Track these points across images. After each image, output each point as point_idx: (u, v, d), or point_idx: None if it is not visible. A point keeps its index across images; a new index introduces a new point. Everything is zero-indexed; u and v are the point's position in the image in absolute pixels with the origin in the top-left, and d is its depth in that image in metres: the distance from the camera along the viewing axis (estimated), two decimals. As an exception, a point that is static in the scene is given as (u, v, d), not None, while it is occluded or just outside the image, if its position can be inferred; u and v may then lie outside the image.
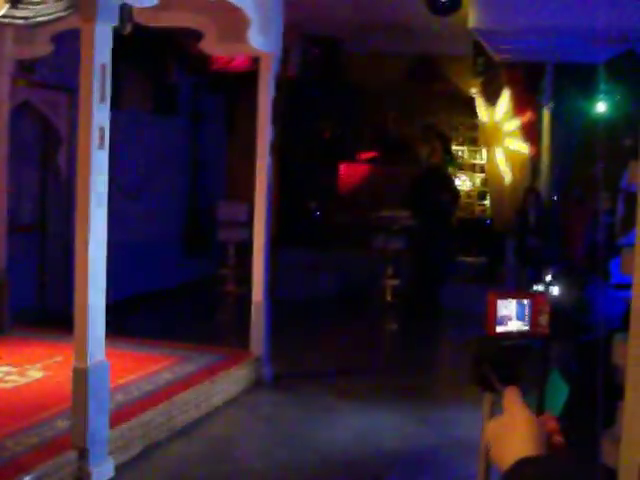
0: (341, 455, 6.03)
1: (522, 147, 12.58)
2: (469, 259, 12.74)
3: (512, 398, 1.36)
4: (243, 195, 10.82)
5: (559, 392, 5.50)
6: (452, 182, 12.82)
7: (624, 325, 2.16)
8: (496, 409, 1.44)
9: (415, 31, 11.45)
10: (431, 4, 9.08)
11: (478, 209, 14.52)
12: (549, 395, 4.93)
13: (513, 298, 1.45)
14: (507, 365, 1.42)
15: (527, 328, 1.47)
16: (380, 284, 12.20)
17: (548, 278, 8.76)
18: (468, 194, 14.52)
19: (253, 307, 7.82)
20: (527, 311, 1.45)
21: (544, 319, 1.46)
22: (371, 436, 6.47)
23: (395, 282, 12.16)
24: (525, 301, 1.47)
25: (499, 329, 1.44)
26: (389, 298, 12.13)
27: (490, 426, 1.37)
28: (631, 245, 2.14)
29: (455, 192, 12.59)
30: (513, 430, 1.32)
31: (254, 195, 7.83)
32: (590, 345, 6.37)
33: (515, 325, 1.44)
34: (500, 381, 1.38)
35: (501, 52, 11.30)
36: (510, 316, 1.43)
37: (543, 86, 12.25)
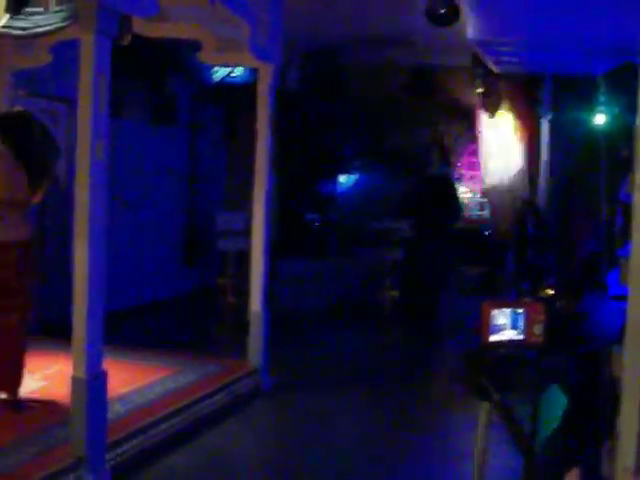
0: (339, 464, 6.02)
1: (520, 157, 12.60)
2: (468, 270, 12.72)
3: None
4: (242, 205, 10.82)
5: (557, 404, 5.50)
6: (454, 195, 12.75)
7: (623, 337, 2.16)
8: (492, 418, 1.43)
9: (414, 43, 11.47)
10: (430, 15, 9.10)
11: (478, 220, 14.51)
12: (546, 407, 4.92)
13: (508, 307, 1.45)
14: (502, 374, 1.41)
15: (522, 337, 1.46)
16: (379, 295, 12.20)
17: (546, 289, 8.76)
18: (467, 205, 14.52)
19: (251, 317, 7.82)
20: (522, 320, 1.45)
21: (539, 328, 1.45)
22: (369, 445, 6.46)
23: (394, 293, 12.16)
24: (520, 310, 1.46)
25: (493, 338, 1.43)
26: (388, 309, 12.13)
27: None
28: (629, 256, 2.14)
29: (457, 206, 12.53)
30: None
31: (253, 205, 7.84)
32: (589, 357, 6.37)
33: (510, 334, 1.44)
34: (496, 390, 1.38)
35: (499, 63, 11.32)
36: (505, 325, 1.42)
37: (542, 97, 12.28)
